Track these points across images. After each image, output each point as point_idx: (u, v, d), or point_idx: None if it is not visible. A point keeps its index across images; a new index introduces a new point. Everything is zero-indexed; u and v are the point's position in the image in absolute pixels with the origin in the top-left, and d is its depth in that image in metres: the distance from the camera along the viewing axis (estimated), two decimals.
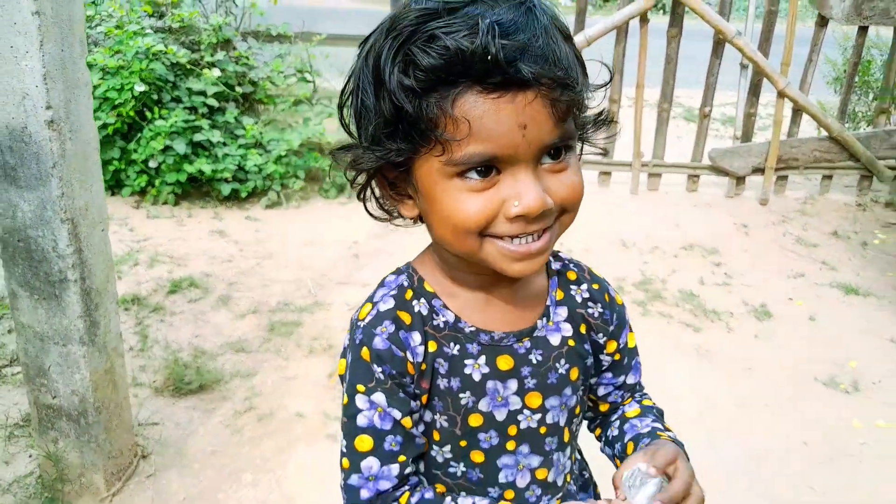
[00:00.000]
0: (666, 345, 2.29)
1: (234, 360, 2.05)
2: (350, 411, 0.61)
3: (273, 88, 3.34)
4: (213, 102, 3.06)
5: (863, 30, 3.34)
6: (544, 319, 0.66)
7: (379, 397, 0.60)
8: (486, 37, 0.49)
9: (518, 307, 0.65)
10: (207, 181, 3.09)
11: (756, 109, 3.45)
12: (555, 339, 0.66)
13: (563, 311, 0.67)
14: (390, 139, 0.55)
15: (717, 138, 4.23)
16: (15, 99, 1.07)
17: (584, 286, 0.70)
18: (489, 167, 0.54)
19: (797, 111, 3.41)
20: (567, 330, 0.67)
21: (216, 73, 3.05)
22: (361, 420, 0.60)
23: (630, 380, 0.74)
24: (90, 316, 1.26)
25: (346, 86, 0.60)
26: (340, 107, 0.61)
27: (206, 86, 3.04)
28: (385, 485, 0.60)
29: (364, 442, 0.60)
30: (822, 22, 3.31)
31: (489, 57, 0.49)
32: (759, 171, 3.48)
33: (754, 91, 3.38)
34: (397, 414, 0.60)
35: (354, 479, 0.60)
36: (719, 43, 3.25)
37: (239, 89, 3.20)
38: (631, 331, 0.73)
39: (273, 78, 3.31)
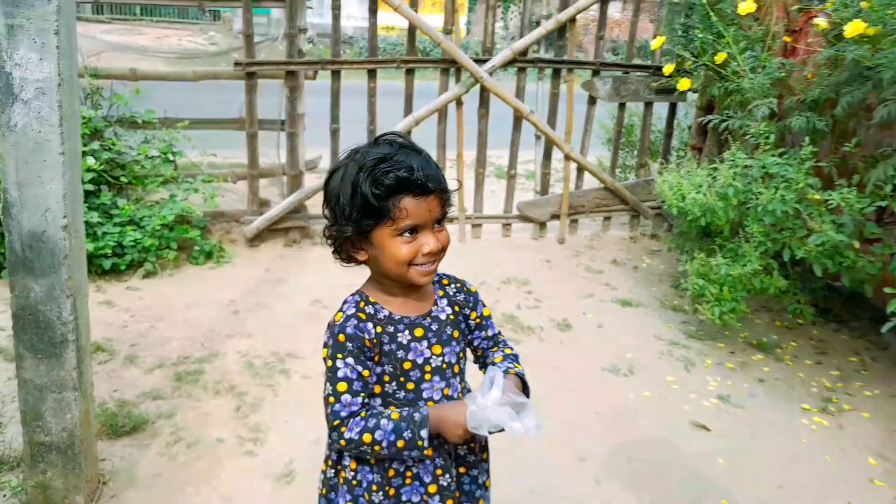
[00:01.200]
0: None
1: (154, 406, 2.44)
2: (333, 370, 1.15)
3: (141, 170, 3.71)
4: (89, 187, 3.38)
5: (622, 105, 4.40)
6: (435, 306, 1.25)
7: (350, 360, 1.14)
8: (417, 172, 1.10)
9: (421, 301, 1.23)
10: (89, 258, 3.38)
11: (549, 169, 4.38)
12: (443, 315, 1.24)
13: (444, 301, 1.27)
14: (363, 219, 1.12)
15: (524, 191, 5.16)
16: (39, 212, 1.50)
17: (453, 285, 1.30)
18: (413, 230, 1.13)
19: (580, 169, 4.39)
20: (448, 310, 1.26)
21: (91, 161, 3.39)
22: (340, 374, 1.14)
23: (489, 333, 1.33)
24: (79, 367, 1.68)
25: (327, 195, 1.17)
26: (325, 206, 1.19)
27: (83, 173, 3.36)
28: (354, 408, 1.15)
29: (342, 385, 1.14)
30: (592, 101, 4.33)
31: (419, 181, 1.10)
32: (556, 216, 4.40)
33: (547, 155, 4.31)
34: (360, 369, 1.15)
35: (337, 406, 1.14)
36: (518, 119, 4.13)
37: (112, 173, 3.55)
38: (484, 306, 1.33)
39: (141, 161, 3.69)
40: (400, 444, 1.11)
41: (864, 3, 2.76)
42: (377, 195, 1.09)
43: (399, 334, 1.19)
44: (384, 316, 1.19)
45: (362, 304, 1.20)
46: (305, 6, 3.72)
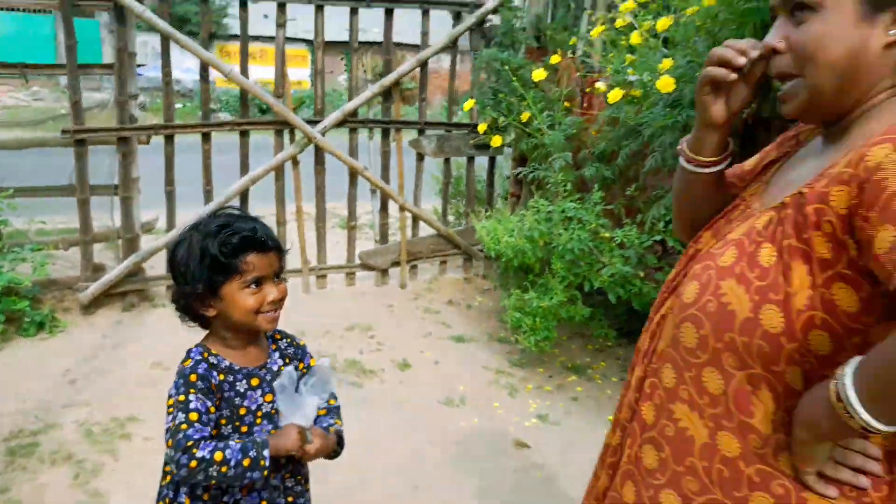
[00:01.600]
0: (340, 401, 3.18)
1: None
2: (185, 403, 1.28)
3: None
4: None
5: (447, 160, 4.81)
6: (269, 358, 1.43)
7: (200, 396, 1.29)
8: (259, 232, 1.32)
9: (259, 353, 1.42)
10: None
11: (387, 219, 4.67)
12: (275, 367, 1.43)
13: (276, 353, 1.46)
14: (214, 276, 1.30)
15: (367, 240, 5.42)
16: None
17: (285, 340, 1.50)
18: (258, 282, 1.32)
19: (415, 218, 4.72)
20: (279, 361, 1.45)
21: None
22: (192, 405, 1.28)
23: None
24: None
25: (175, 264, 1.34)
26: (173, 273, 1.36)
27: None
28: (206, 433, 1.27)
29: (194, 415, 1.27)
30: (420, 156, 4.69)
31: (261, 239, 1.31)
32: (396, 263, 4.68)
33: (383, 206, 4.60)
34: (209, 404, 1.30)
35: (191, 431, 1.26)
36: (353, 175, 4.40)
37: None
38: (311, 357, 1.53)
39: None
40: (246, 462, 1.26)
41: (631, 70, 3.33)
42: (225, 253, 1.30)
43: (238, 383, 1.36)
44: (225, 366, 1.36)
45: (206, 354, 1.36)
46: (135, 73, 3.79)
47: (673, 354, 0.99)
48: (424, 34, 4.26)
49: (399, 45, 4.38)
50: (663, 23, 3.04)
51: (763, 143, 3.09)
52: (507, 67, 3.96)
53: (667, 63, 2.95)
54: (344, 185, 4.49)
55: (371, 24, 4.59)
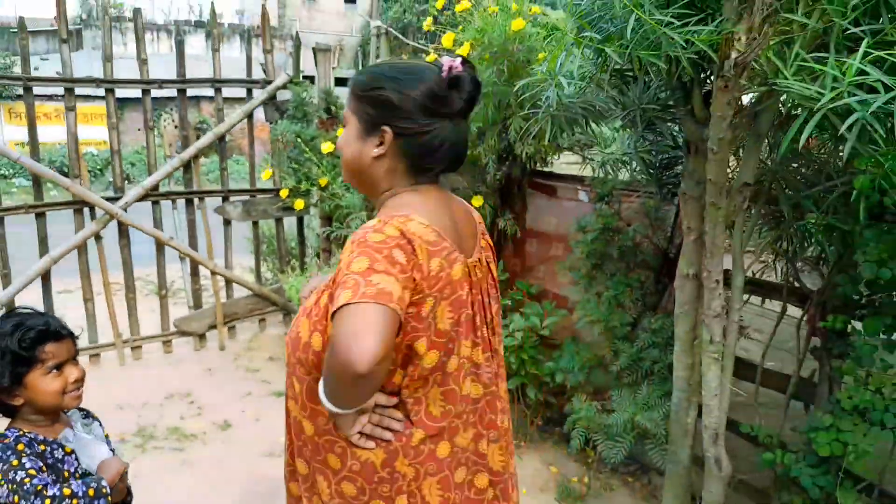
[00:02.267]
0: (162, 468, 3.31)
1: None
2: (20, 466, 1.43)
3: None
4: None
5: (255, 223, 5.04)
6: (71, 426, 1.65)
7: (32, 458, 1.47)
8: (52, 324, 1.58)
9: (61, 425, 1.62)
10: None
11: (199, 284, 4.81)
12: (78, 428, 1.66)
13: (73, 418, 1.68)
14: (16, 369, 1.52)
15: (182, 305, 5.48)
16: None
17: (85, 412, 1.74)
18: (59, 367, 1.57)
19: (228, 281, 4.89)
20: (79, 424, 1.68)
21: None
22: (27, 465, 1.44)
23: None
24: None
25: None
26: None
27: None
28: (46, 481, 1.42)
29: (32, 471, 1.42)
30: (227, 221, 4.89)
31: (55, 329, 1.57)
32: (214, 326, 4.82)
33: (194, 272, 4.74)
34: (39, 463, 1.47)
35: (35, 481, 1.41)
36: (160, 245, 4.51)
37: None
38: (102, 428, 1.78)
39: None
40: (91, 492, 1.47)
41: None
42: (25, 347, 1.52)
43: (55, 451, 1.57)
44: (41, 440, 1.56)
45: (22, 433, 1.55)
46: None
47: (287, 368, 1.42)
48: (219, 110, 4.52)
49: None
50: None
51: (514, 197, 3.66)
52: (300, 139, 4.33)
53: None
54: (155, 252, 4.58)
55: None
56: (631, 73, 2.31)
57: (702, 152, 2.31)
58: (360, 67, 26.01)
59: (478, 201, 3.66)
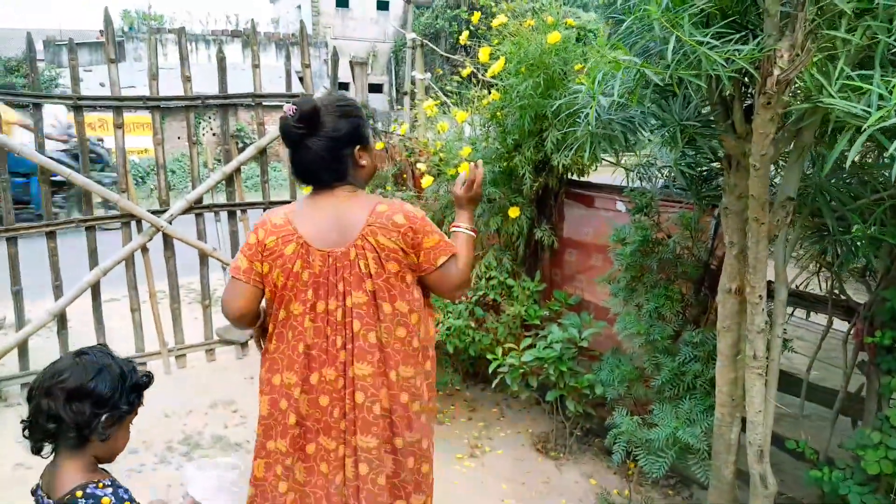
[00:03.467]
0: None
1: None
2: None
3: None
4: None
5: None
6: None
7: None
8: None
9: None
10: None
11: None
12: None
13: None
14: (131, 405, 1.51)
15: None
16: None
17: None
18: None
19: None
20: None
21: None
22: None
23: None
24: None
25: (94, 389, 1.45)
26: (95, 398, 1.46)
27: None
28: None
29: None
30: None
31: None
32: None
33: None
34: None
35: None
36: (203, 256, 4.63)
37: None
38: None
39: None
40: None
41: (442, 154, 3.88)
42: (139, 388, 1.54)
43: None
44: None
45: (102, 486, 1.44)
46: None
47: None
48: (260, 124, 4.62)
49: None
50: (461, 116, 3.62)
51: (551, 207, 3.68)
52: None
53: (466, 150, 3.51)
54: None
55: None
56: (671, 89, 2.32)
57: (743, 167, 2.30)
58: (394, 74, 26.19)
59: (514, 212, 3.68)
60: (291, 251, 1.79)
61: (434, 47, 5.50)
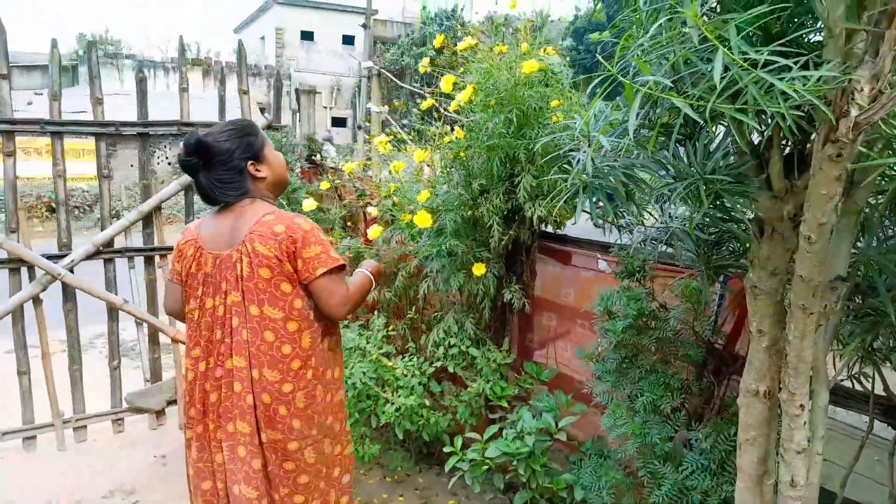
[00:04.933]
0: None
1: None
2: None
3: None
4: None
5: None
6: None
7: None
8: None
9: None
10: None
11: (159, 353, 4.20)
12: None
13: None
14: None
15: (139, 372, 4.84)
16: None
17: None
18: None
19: None
20: None
21: None
22: None
23: None
24: None
25: None
26: None
27: None
28: None
29: None
30: None
31: None
32: (173, 402, 4.20)
33: (153, 340, 4.14)
34: None
35: None
36: (112, 310, 3.92)
37: None
38: None
39: None
40: None
41: (395, 200, 3.29)
42: None
43: None
44: None
45: None
46: None
47: None
48: None
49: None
50: (420, 155, 3.05)
51: (522, 263, 3.10)
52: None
53: (423, 196, 2.94)
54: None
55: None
56: (684, 132, 1.78)
57: (779, 234, 1.77)
58: (357, 108, 25.77)
59: (479, 269, 3.10)
60: (191, 253, 2.04)
61: (393, 77, 4.94)
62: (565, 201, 1.96)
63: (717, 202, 1.82)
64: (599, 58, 1.42)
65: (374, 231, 3.08)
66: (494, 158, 2.86)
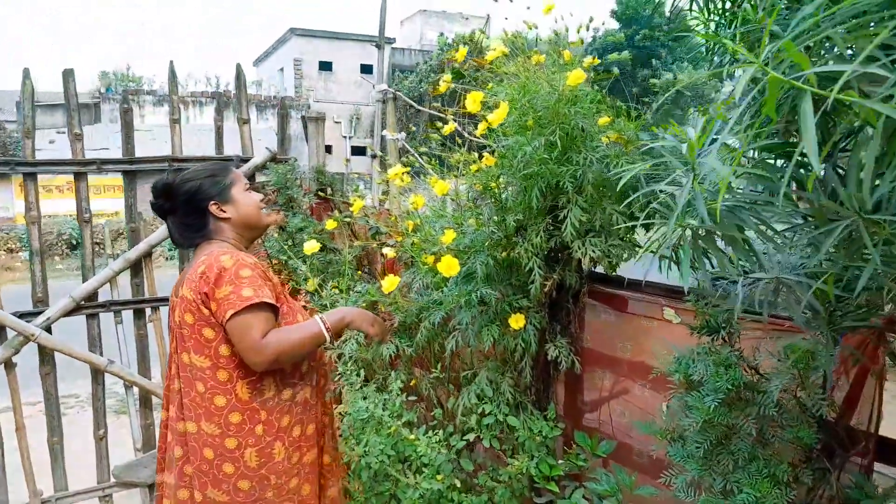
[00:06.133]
0: None
1: None
2: None
3: None
4: None
5: None
6: None
7: None
8: None
9: None
10: None
11: (151, 419, 3.71)
12: None
13: None
14: None
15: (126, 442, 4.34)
16: None
17: None
18: None
19: None
20: None
21: None
22: None
23: None
24: None
25: None
26: None
27: None
28: None
29: None
30: None
31: None
32: None
33: (145, 404, 3.65)
34: None
35: None
36: (97, 372, 3.44)
37: None
38: None
39: None
40: None
41: (415, 240, 2.77)
42: None
43: None
44: None
45: None
46: None
47: None
48: None
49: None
50: (441, 187, 2.54)
51: (569, 312, 2.56)
52: (282, 230, 3.31)
53: (449, 235, 2.42)
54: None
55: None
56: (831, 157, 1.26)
57: None
58: (377, 136, 25.57)
59: (517, 321, 2.57)
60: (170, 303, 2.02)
61: (412, 102, 4.46)
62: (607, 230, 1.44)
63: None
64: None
65: (390, 282, 2.56)
66: (533, 189, 2.35)
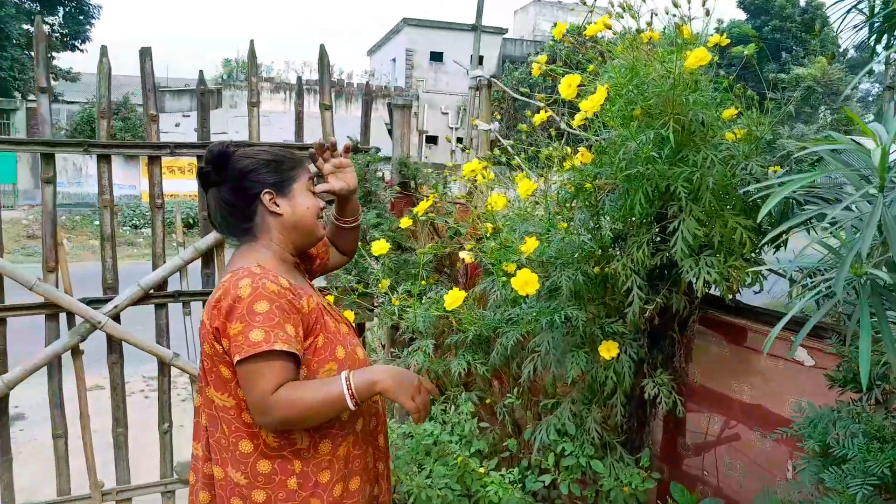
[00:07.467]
0: None
1: None
2: None
3: None
4: None
5: None
6: None
7: None
8: None
9: None
10: None
11: None
12: None
13: None
14: None
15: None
16: None
17: None
18: None
19: None
20: None
21: None
22: None
23: None
24: None
25: None
26: None
27: None
28: None
29: None
30: None
31: None
32: None
33: None
34: None
35: None
36: (163, 364, 3.32)
37: None
38: None
39: None
40: None
41: (493, 244, 2.41)
42: None
43: None
44: None
45: None
46: None
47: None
48: None
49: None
50: (525, 186, 2.16)
51: (673, 341, 2.12)
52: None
53: (530, 244, 2.04)
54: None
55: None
56: None
57: None
58: (467, 125, 25.27)
59: (609, 349, 2.17)
60: None
61: (505, 88, 4.07)
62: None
63: None
64: None
65: (453, 297, 2.22)
66: (637, 193, 1.93)
